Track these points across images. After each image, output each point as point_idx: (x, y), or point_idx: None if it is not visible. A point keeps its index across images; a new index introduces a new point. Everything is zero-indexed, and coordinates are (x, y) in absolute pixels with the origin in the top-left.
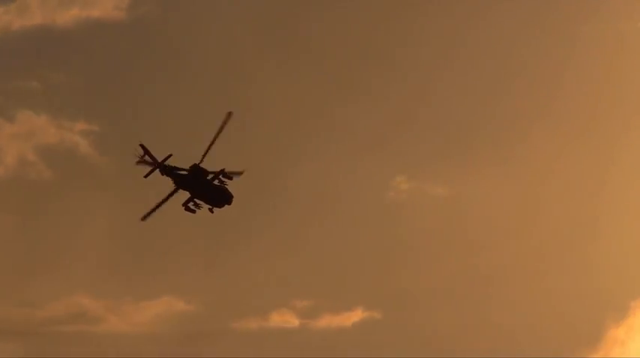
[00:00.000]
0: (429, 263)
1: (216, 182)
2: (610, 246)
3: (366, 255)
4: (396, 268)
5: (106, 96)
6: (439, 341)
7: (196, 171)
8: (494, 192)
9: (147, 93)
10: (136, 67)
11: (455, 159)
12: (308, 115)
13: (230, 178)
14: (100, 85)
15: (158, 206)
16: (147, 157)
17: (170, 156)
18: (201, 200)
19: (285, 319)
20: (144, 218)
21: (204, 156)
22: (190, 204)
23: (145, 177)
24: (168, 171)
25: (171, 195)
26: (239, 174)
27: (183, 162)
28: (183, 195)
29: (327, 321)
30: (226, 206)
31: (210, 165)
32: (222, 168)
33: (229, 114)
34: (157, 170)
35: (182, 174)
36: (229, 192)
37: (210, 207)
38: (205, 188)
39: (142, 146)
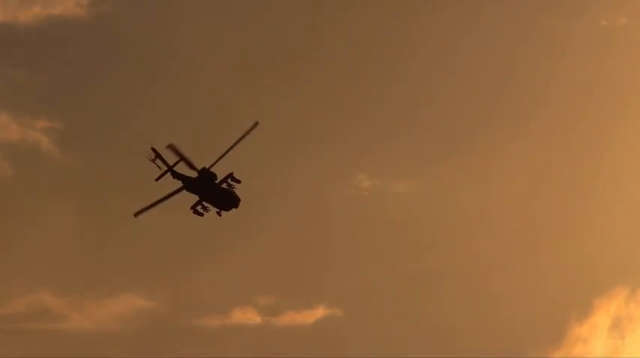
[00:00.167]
0: (390, 260)
1: (224, 185)
2: (574, 244)
3: (328, 253)
4: (358, 266)
5: (68, 93)
6: (400, 339)
7: (205, 174)
8: (455, 189)
9: (109, 90)
10: (97, 64)
11: (416, 156)
12: (270, 113)
13: (238, 181)
14: (62, 82)
15: (156, 204)
16: (158, 160)
17: (179, 161)
18: (209, 203)
19: (247, 316)
20: (137, 214)
21: (217, 161)
22: (198, 208)
23: (157, 180)
24: (178, 174)
25: (172, 194)
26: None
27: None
28: (186, 197)
29: (289, 318)
30: (233, 209)
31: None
32: (230, 171)
33: (256, 123)
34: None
35: (191, 178)
36: (236, 196)
37: (218, 210)
38: (213, 191)
39: (154, 149)
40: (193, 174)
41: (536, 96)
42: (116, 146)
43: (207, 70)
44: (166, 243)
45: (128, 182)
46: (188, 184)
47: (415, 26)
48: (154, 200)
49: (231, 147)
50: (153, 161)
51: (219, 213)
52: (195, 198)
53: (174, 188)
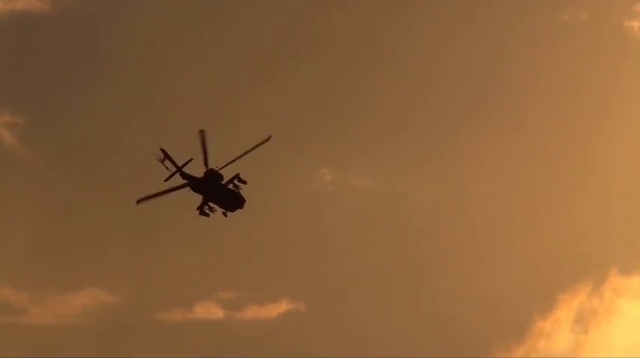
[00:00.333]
0: (353, 255)
1: (230, 186)
2: (537, 239)
3: (290, 247)
4: (320, 260)
5: (30, 88)
6: (363, 334)
7: (212, 175)
8: (418, 184)
9: (71, 85)
10: (60, 59)
11: (379, 151)
12: (231, 106)
13: (244, 182)
14: (24, 77)
15: (158, 195)
16: (167, 161)
17: (191, 160)
18: (215, 203)
19: (209, 311)
20: (140, 201)
21: (226, 164)
22: (205, 208)
23: (166, 180)
24: (186, 174)
25: (175, 189)
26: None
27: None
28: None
29: (252, 313)
30: (238, 210)
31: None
32: (237, 172)
33: (269, 137)
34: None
35: (198, 178)
36: (242, 197)
37: (224, 211)
38: (220, 192)
39: (163, 150)
40: (200, 175)
41: (505, 94)
42: (79, 140)
43: (171, 62)
44: (129, 238)
45: (91, 176)
46: (195, 184)
47: (392, 22)
48: (159, 191)
49: (240, 156)
50: (161, 161)
51: (224, 214)
52: (198, 199)
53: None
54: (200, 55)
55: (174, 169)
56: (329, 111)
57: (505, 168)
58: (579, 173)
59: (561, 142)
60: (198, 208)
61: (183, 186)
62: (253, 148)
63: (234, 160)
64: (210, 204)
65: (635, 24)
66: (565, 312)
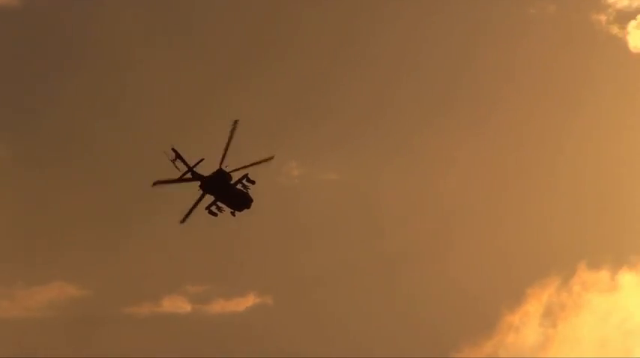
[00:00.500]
0: (320, 248)
1: (238, 186)
2: (506, 233)
3: (257, 241)
4: (288, 254)
5: None
6: (331, 327)
7: (221, 175)
8: (386, 178)
9: (40, 80)
10: (28, 54)
11: (347, 145)
12: (200, 101)
13: (253, 182)
14: None
15: (192, 210)
16: (178, 161)
17: (202, 160)
18: (223, 203)
19: (177, 304)
20: (182, 221)
21: (221, 161)
22: (213, 208)
23: (178, 180)
24: (197, 174)
25: (186, 180)
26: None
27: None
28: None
29: (220, 306)
30: (245, 210)
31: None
32: (245, 173)
33: (272, 157)
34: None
35: (208, 178)
36: (250, 197)
37: (232, 210)
38: (229, 192)
39: (174, 150)
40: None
41: (473, 88)
42: (47, 136)
43: (135, 59)
44: (97, 232)
45: (59, 171)
46: (205, 184)
47: (361, 18)
48: (189, 208)
49: (247, 166)
50: (173, 161)
51: (233, 213)
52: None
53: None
54: (173, 51)
55: (186, 169)
56: (297, 106)
57: (474, 162)
58: (548, 167)
59: (530, 137)
60: (206, 208)
61: (194, 179)
62: (257, 163)
63: (240, 168)
64: (219, 203)
65: (602, 17)
66: (534, 306)
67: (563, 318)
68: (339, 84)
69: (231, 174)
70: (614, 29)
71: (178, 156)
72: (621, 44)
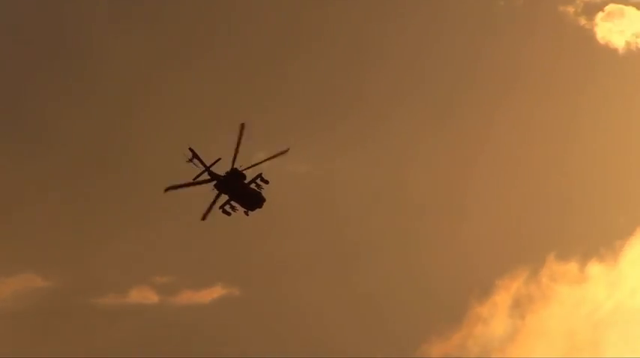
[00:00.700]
0: (288, 240)
1: (252, 185)
2: (475, 224)
3: (225, 232)
4: (255, 245)
5: None
6: (298, 318)
7: (236, 173)
8: (354, 169)
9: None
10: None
11: (316, 137)
12: (171, 91)
13: (267, 182)
14: None
15: (210, 208)
16: (195, 160)
17: (219, 159)
18: (237, 202)
19: (144, 295)
20: (204, 218)
21: (233, 161)
22: (227, 207)
23: (194, 179)
24: (213, 173)
25: (202, 182)
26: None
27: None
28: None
29: (187, 298)
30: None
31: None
32: (259, 173)
33: (287, 149)
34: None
35: (223, 178)
36: (262, 197)
37: (246, 210)
38: (243, 191)
39: (191, 149)
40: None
41: (439, 79)
42: (12, 133)
43: (90, 47)
44: (64, 222)
45: (25, 162)
46: (220, 183)
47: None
48: (187, 182)
49: (260, 163)
50: (190, 161)
51: (246, 213)
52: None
53: None
54: (131, 37)
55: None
56: (264, 96)
57: (441, 152)
58: (517, 159)
59: (500, 129)
60: (220, 207)
61: (208, 181)
62: (272, 157)
63: (253, 165)
64: (233, 203)
65: (570, 9)
66: (502, 298)
67: (531, 310)
68: (306, 74)
69: (245, 171)
70: (582, 21)
71: (195, 156)
72: (589, 36)
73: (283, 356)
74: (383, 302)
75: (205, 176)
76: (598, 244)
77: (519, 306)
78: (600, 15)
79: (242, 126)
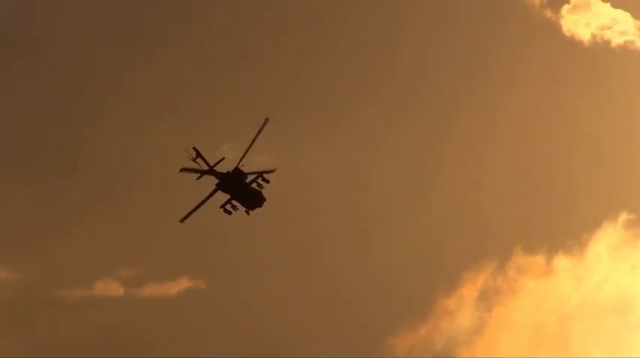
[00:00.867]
0: (253, 232)
1: (253, 185)
2: (442, 217)
3: (190, 225)
4: (221, 238)
5: None
6: (262, 310)
7: (238, 174)
8: (320, 161)
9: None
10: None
11: (278, 128)
12: (130, 82)
13: (267, 181)
14: None
15: (196, 208)
16: (199, 159)
17: (223, 159)
18: (238, 201)
19: (109, 288)
20: (182, 219)
21: (241, 159)
22: (228, 206)
23: (198, 179)
24: (216, 172)
25: (210, 196)
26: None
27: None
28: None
29: (152, 290)
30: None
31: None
32: (260, 172)
33: (266, 120)
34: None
35: (226, 175)
36: (263, 196)
37: (246, 209)
38: (244, 190)
39: (195, 149)
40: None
41: (403, 70)
42: None
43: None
44: (29, 215)
45: None
46: (223, 182)
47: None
48: (196, 204)
49: (250, 146)
50: (194, 160)
51: (247, 212)
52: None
53: None
54: (104, 37)
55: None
56: (228, 88)
57: (408, 145)
58: (485, 151)
59: (464, 120)
60: (221, 206)
61: (215, 191)
62: (257, 135)
63: (245, 153)
64: (233, 202)
65: (535, 1)
66: (469, 290)
67: (498, 303)
68: (273, 65)
69: (243, 158)
70: (548, 13)
71: (199, 155)
72: (555, 28)
73: (249, 349)
74: (349, 295)
75: (208, 179)
76: (565, 237)
77: (486, 299)
78: (566, 7)
79: (266, 120)
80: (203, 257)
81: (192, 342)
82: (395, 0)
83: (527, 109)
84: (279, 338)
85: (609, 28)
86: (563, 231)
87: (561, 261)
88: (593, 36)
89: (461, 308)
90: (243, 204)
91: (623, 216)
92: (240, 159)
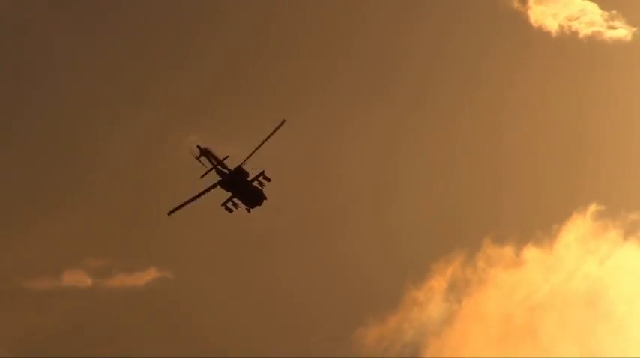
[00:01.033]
0: (221, 221)
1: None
2: (411, 207)
3: (159, 215)
4: (189, 228)
5: None
6: (231, 300)
7: (240, 172)
8: (288, 152)
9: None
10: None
11: (247, 119)
12: (99, 71)
13: (268, 180)
14: None
15: (189, 202)
16: (203, 158)
17: (227, 157)
18: (239, 199)
19: (77, 278)
20: (171, 212)
21: (247, 158)
22: (229, 204)
23: (202, 177)
24: (220, 171)
25: (206, 191)
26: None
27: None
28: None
29: (120, 281)
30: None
31: None
32: (262, 170)
33: (283, 121)
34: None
35: (228, 174)
36: (264, 195)
37: (247, 207)
38: (245, 188)
39: (199, 147)
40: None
41: (359, 62)
42: None
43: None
44: None
45: None
46: (225, 180)
47: None
48: (189, 197)
49: (260, 145)
50: (198, 158)
51: (248, 210)
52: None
53: None
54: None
55: (211, 166)
56: (197, 78)
57: (375, 135)
58: (452, 141)
59: (431, 111)
60: (222, 204)
61: (213, 186)
62: (270, 136)
63: (253, 152)
64: (234, 200)
65: None
66: (438, 281)
67: (468, 294)
68: (237, 56)
69: (249, 157)
70: (516, 3)
71: (203, 154)
72: (522, 19)
73: (217, 339)
74: (318, 285)
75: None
76: (534, 228)
77: (455, 290)
78: None
79: (282, 122)
80: (171, 247)
81: (160, 332)
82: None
83: (495, 100)
84: (246, 328)
85: (577, 19)
86: (532, 222)
87: (531, 252)
88: (561, 27)
89: (430, 300)
90: (243, 202)
91: (593, 207)
92: (247, 158)
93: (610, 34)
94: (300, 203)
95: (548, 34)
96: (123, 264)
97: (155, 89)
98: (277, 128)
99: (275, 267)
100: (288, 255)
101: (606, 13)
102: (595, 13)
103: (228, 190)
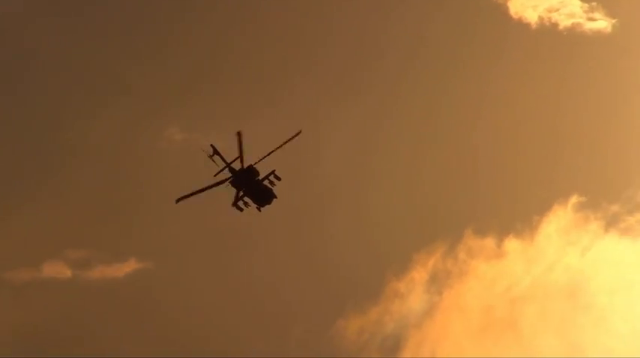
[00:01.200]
0: (201, 213)
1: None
2: (392, 198)
3: (138, 206)
4: (169, 219)
5: None
6: (213, 292)
7: (252, 171)
8: (269, 142)
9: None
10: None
11: (227, 109)
12: (79, 63)
13: (279, 179)
14: None
15: (199, 191)
16: (215, 157)
17: (238, 157)
18: (250, 198)
19: (57, 270)
20: (179, 200)
21: (261, 159)
22: (240, 203)
23: (215, 175)
24: (232, 169)
25: (216, 185)
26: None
27: None
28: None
29: (100, 272)
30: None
31: None
32: (272, 170)
33: (299, 132)
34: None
35: (240, 172)
36: (274, 194)
37: (258, 206)
38: (256, 187)
39: (213, 146)
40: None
41: (335, 49)
42: None
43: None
44: None
45: None
46: (236, 178)
47: None
48: (198, 188)
49: (273, 151)
50: (211, 157)
51: (258, 209)
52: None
53: None
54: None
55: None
56: (177, 70)
57: (354, 124)
58: (433, 132)
59: (412, 99)
60: (233, 204)
61: (221, 182)
62: (285, 143)
63: (267, 155)
64: (245, 199)
65: None
66: (420, 273)
67: (449, 285)
68: (218, 49)
69: (260, 161)
70: None
71: (216, 153)
72: (502, 10)
73: (197, 331)
74: (299, 276)
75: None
76: (515, 219)
77: (436, 281)
78: None
79: (298, 132)
80: (151, 238)
81: (140, 324)
82: None
83: (474, 92)
84: (227, 320)
85: (557, 10)
86: (513, 214)
87: (512, 244)
88: (541, 18)
89: (411, 291)
90: (254, 201)
91: (574, 199)
92: (260, 160)
93: (590, 26)
94: (280, 194)
95: (527, 25)
96: (102, 255)
97: (133, 80)
98: (293, 137)
99: (256, 258)
100: (268, 245)
101: (586, 5)
102: (575, 4)
103: (239, 188)
